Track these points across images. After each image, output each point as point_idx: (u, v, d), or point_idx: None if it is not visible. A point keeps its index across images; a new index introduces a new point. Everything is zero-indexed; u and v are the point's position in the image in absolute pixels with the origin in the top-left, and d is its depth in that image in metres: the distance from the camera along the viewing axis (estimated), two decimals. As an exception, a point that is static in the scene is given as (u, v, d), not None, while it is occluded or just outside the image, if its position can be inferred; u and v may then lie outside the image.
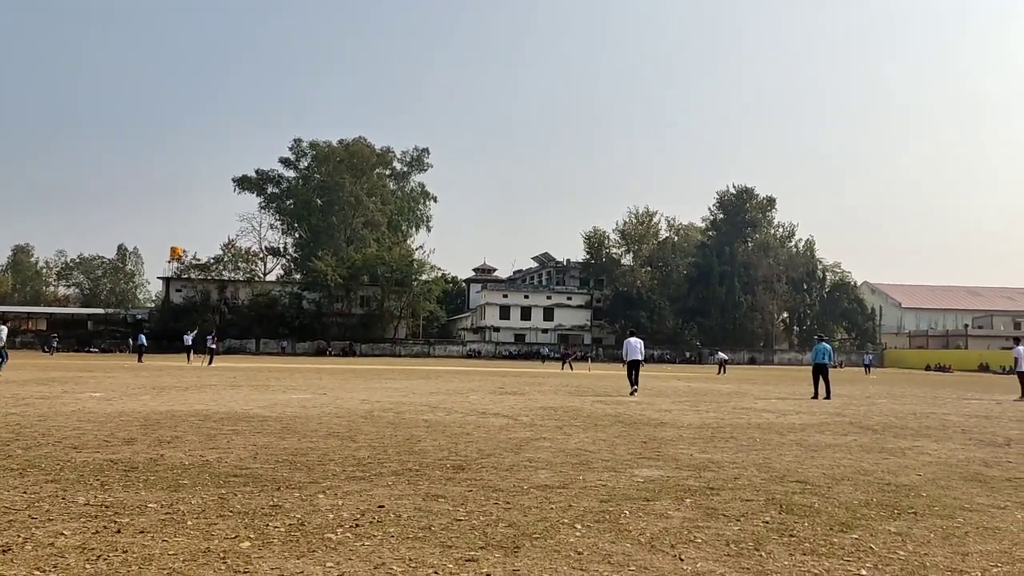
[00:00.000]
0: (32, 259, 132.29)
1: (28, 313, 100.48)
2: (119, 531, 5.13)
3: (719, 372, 47.18)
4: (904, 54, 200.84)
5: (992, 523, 5.98)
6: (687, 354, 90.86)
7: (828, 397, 21.90)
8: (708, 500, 6.51)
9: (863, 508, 6.37)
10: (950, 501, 6.80)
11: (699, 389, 26.38)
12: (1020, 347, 24.49)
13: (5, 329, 25.73)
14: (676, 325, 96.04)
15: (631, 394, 21.52)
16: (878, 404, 20.36)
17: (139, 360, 44.78)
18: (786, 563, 4.74)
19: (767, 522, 5.76)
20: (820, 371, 22.72)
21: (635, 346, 22.91)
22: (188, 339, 45.50)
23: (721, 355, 52.54)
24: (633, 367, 22.60)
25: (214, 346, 43.77)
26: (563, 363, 51.82)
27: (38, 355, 58.28)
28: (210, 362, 42.17)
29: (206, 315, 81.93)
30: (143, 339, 49.86)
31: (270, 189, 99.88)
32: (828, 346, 23.28)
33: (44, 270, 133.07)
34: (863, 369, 62.55)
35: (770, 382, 34.44)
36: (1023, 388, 24.23)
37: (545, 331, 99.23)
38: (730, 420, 14.34)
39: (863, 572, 4.62)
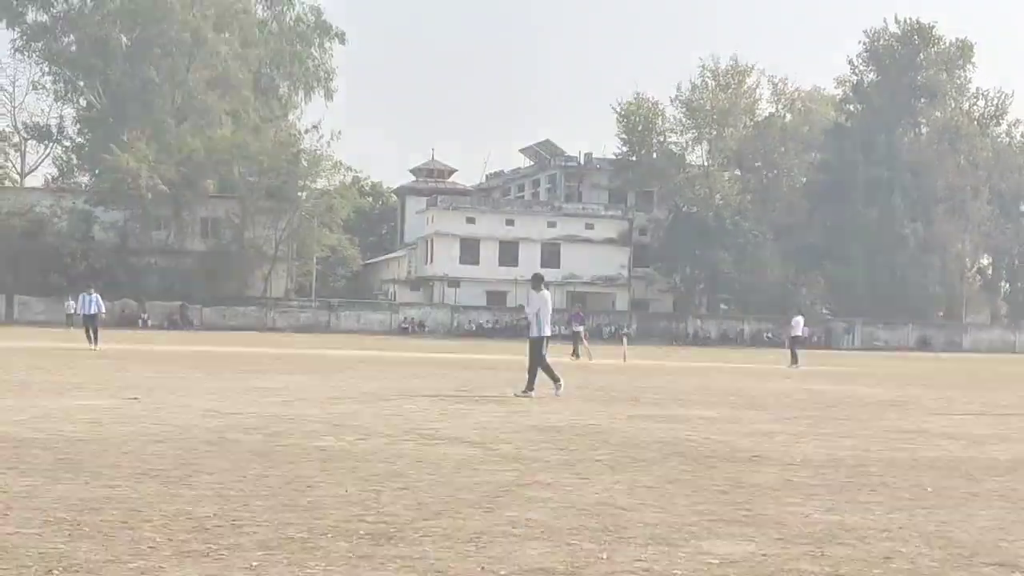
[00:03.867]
0: None
1: None
2: None
3: (792, 360, 31.90)
4: None
5: None
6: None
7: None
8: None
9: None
10: None
11: (825, 394, 22.03)
12: None
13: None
14: (785, 276, 70.42)
15: (523, 392, 16.19)
16: None
17: None
18: None
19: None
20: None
21: (547, 304, 17.34)
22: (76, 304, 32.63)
23: (799, 321, 34.67)
24: (541, 347, 16.49)
25: None
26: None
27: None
28: None
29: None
30: None
31: (32, 15, 70.32)
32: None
33: None
34: None
35: (956, 383, 28.60)
36: None
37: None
38: (879, 452, 11.14)
39: None
